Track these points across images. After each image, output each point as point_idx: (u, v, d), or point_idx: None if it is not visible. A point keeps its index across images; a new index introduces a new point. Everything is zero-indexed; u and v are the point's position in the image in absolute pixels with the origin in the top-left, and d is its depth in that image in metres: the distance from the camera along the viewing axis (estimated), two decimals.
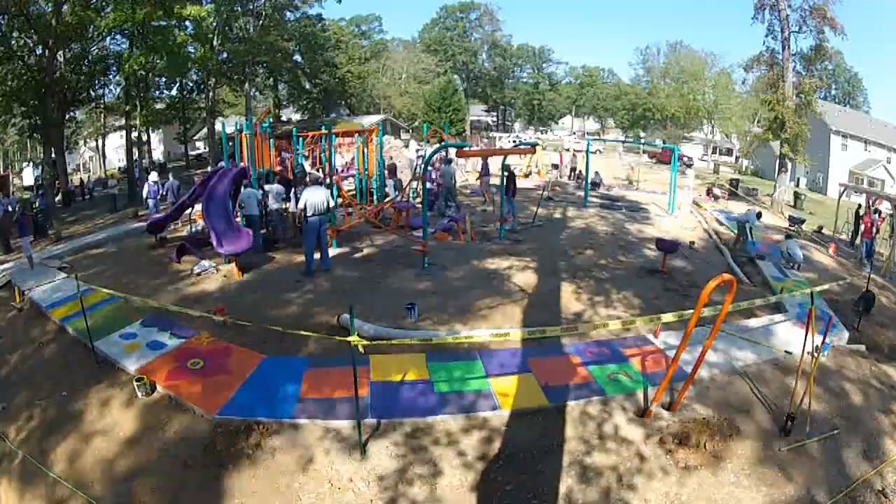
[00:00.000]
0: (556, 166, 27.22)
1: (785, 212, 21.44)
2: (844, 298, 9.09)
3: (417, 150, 22.81)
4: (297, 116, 49.82)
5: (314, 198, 8.81)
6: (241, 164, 11.81)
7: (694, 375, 5.32)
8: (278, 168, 14.15)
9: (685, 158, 39.81)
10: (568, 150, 33.09)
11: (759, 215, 12.02)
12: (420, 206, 11.51)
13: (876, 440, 5.31)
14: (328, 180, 13.08)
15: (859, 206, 14.51)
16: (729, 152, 53.16)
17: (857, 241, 14.03)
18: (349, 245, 11.02)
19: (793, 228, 14.78)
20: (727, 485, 4.57)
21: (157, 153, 42.19)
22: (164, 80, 28.54)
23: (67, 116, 24.18)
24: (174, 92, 32.80)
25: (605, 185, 22.15)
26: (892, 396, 6.11)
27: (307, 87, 46.78)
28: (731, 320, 7.23)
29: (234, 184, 10.27)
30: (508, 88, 67.63)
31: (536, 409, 5.27)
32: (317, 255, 9.25)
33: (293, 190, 11.66)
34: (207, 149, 38.61)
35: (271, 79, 41.46)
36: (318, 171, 15.68)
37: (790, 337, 7.05)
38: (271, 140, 13.83)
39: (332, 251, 10.66)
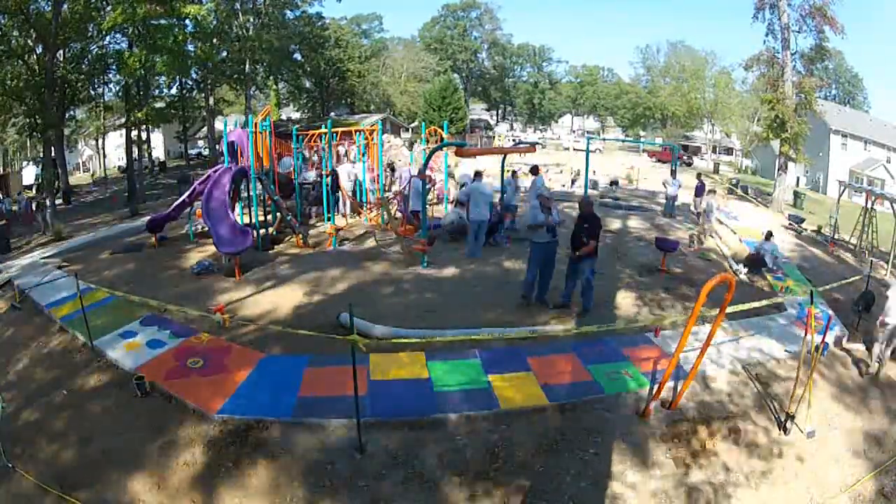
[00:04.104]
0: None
1: (785, 211, 21.48)
2: (845, 298, 9.10)
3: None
4: (296, 115, 49.79)
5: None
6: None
7: (693, 374, 5.32)
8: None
9: (685, 157, 39.89)
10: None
11: (769, 235, 11.03)
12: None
13: (875, 439, 5.32)
14: (328, 179, 13.09)
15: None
16: (729, 151, 53.17)
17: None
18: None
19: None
20: (725, 483, 4.57)
21: (158, 152, 42.19)
22: (163, 78, 28.51)
23: (67, 115, 24.17)
24: (174, 91, 32.79)
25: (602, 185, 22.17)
26: (892, 395, 6.12)
27: (307, 85, 46.74)
28: (730, 319, 7.23)
29: (234, 183, 10.28)
30: (509, 87, 67.56)
31: (536, 408, 5.28)
32: None
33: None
34: (207, 147, 38.63)
35: (271, 77, 41.41)
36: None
37: (790, 336, 7.06)
38: (270, 139, 13.82)
39: (334, 250, 10.70)
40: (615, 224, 13.89)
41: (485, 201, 10.07)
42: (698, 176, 16.88)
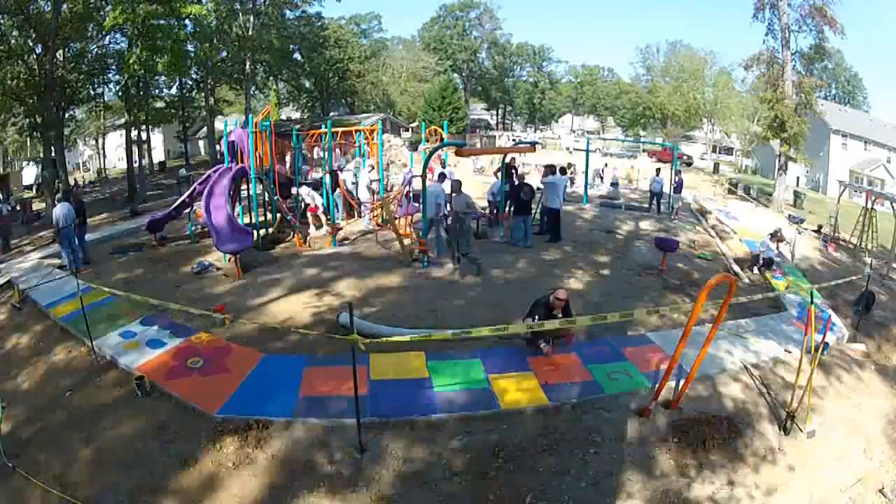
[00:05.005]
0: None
1: (785, 211, 21.49)
2: (844, 297, 9.10)
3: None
4: (296, 115, 49.78)
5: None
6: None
7: (693, 374, 5.32)
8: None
9: (685, 157, 39.86)
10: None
11: (774, 235, 10.93)
12: None
13: (875, 439, 5.32)
14: (327, 179, 13.08)
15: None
16: (729, 151, 53.16)
17: None
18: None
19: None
20: (725, 483, 4.57)
21: (158, 152, 42.18)
22: (163, 78, 28.51)
23: (67, 115, 24.16)
24: (174, 91, 32.78)
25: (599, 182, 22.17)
26: (892, 395, 6.12)
27: (307, 85, 46.73)
28: (730, 319, 7.22)
29: (234, 182, 10.27)
30: (509, 87, 67.49)
31: (536, 408, 5.27)
32: None
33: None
34: (207, 147, 38.61)
35: (271, 77, 41.41)
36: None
37: (790, 336, 7.06)
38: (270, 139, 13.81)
39: (333, 249, 10.70)
40: (627, 226, 13.86)
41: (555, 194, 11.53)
42: (677, 173, 16.88)
